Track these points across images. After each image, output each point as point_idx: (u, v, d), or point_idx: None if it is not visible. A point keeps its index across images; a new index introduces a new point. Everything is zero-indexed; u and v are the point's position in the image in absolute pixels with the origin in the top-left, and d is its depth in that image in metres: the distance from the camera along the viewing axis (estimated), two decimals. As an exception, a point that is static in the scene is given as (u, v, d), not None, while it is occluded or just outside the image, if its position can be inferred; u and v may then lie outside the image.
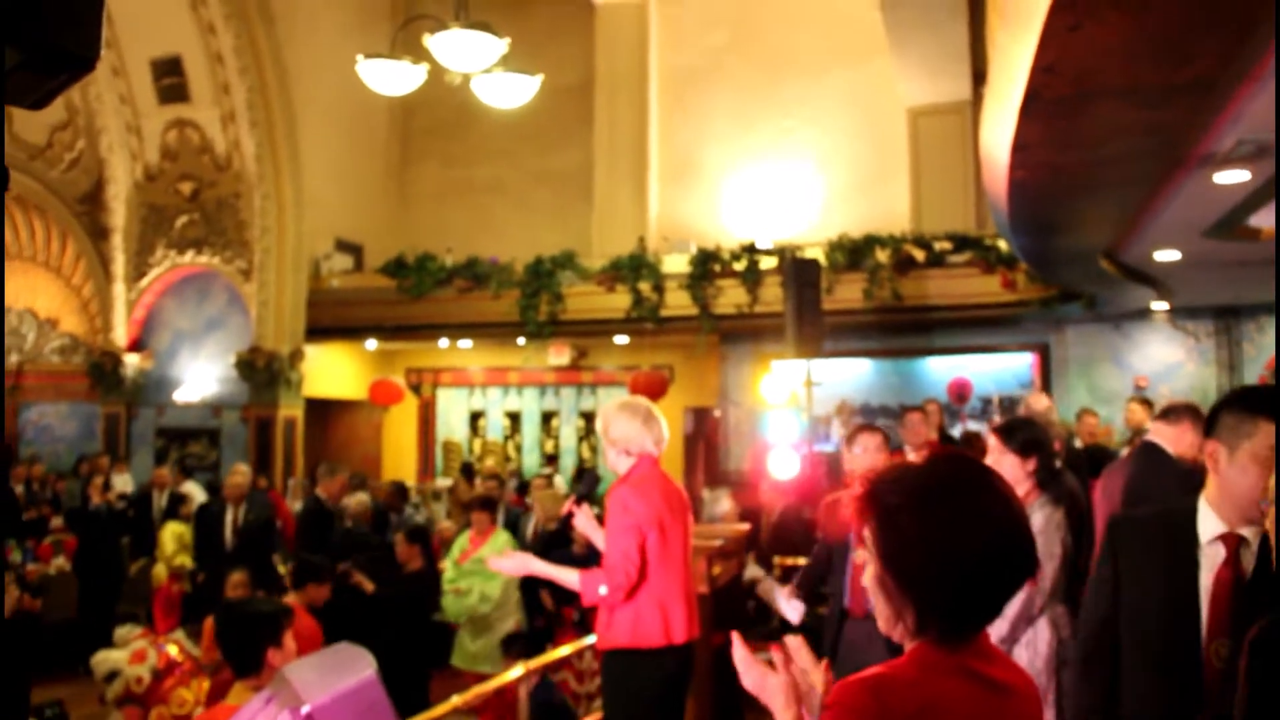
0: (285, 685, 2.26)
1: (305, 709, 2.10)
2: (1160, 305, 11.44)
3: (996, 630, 4.07)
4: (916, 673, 1.61)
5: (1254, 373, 11.77)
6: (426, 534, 8.04)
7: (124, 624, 9.01)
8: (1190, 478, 4.37)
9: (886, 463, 5.01)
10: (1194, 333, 12.00)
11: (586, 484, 4.29)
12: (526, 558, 4.33)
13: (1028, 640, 4.07)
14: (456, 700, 4.46)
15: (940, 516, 1.61)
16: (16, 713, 5.87)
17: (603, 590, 4.13)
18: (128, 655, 7.87)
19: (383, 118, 16.53)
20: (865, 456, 4.96)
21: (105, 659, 8.13)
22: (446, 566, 7.98)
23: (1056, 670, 4.13)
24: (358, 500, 8.88)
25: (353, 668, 2.25)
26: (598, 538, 4.29)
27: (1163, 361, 12.09)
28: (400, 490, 10.36)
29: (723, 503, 8.14)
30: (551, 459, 16.45)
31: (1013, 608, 4.08)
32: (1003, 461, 4.13)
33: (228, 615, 3.50)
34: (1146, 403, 8.51)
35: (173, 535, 9.98)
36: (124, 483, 12.62)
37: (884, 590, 1.66)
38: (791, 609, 5.16)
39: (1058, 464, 4.43)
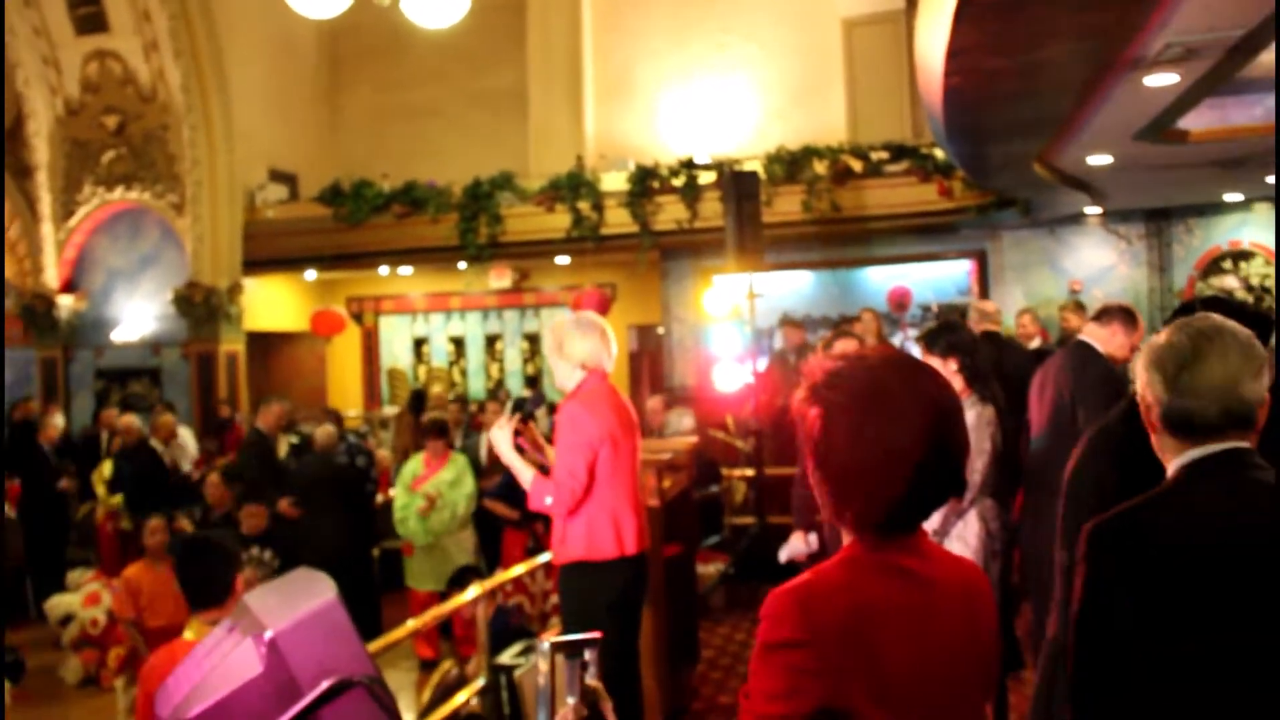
0: (246, 613, 2.28)
1: (269, 634, 2.12)
2: (1093, 210, 11.59)
3: (929, 523, 4.20)
4: (844, 576, 1.62)
5: (1183, 274, 12.02)
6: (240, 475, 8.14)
7: (75, 568, 9.00)
8: (1114, 375, 4.52)
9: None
10: (1126, 236, 12.19)
11: (532, 399, 4.29)
12: (504, 438, 4.25)
13: (958, 533, 4.22)
14: (413, 624, 4.52)
15: (868, 418, 1.62)
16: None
17: (548, 500, 4.19)
18: (81, 598, 7.89)
19: (311, 43, 16.16)
20: None
21: (59, 603, 8.13)
22: (396, 493, 8.03)
23: (986, 562, 4.28)
24: (324, 431, 8.81)
25: (313, 591, 2.27)
26: (514, 460, 4.25)
27: (1096, 265, 12.29)
28: (335, 419, 10.33)
29: (685, 420, 8.21)
30: (498, 383, 16.47)
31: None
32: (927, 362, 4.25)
33: (191, 547, 3.49)
34: (1079, 307, 8.70)
35: (101, 476, 9.89)
36: (58, 423, 12.42)
37: (820, 487, 1.69)
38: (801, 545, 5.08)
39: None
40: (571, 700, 1.68)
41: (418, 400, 12.19)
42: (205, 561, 3.42)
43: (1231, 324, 1.96)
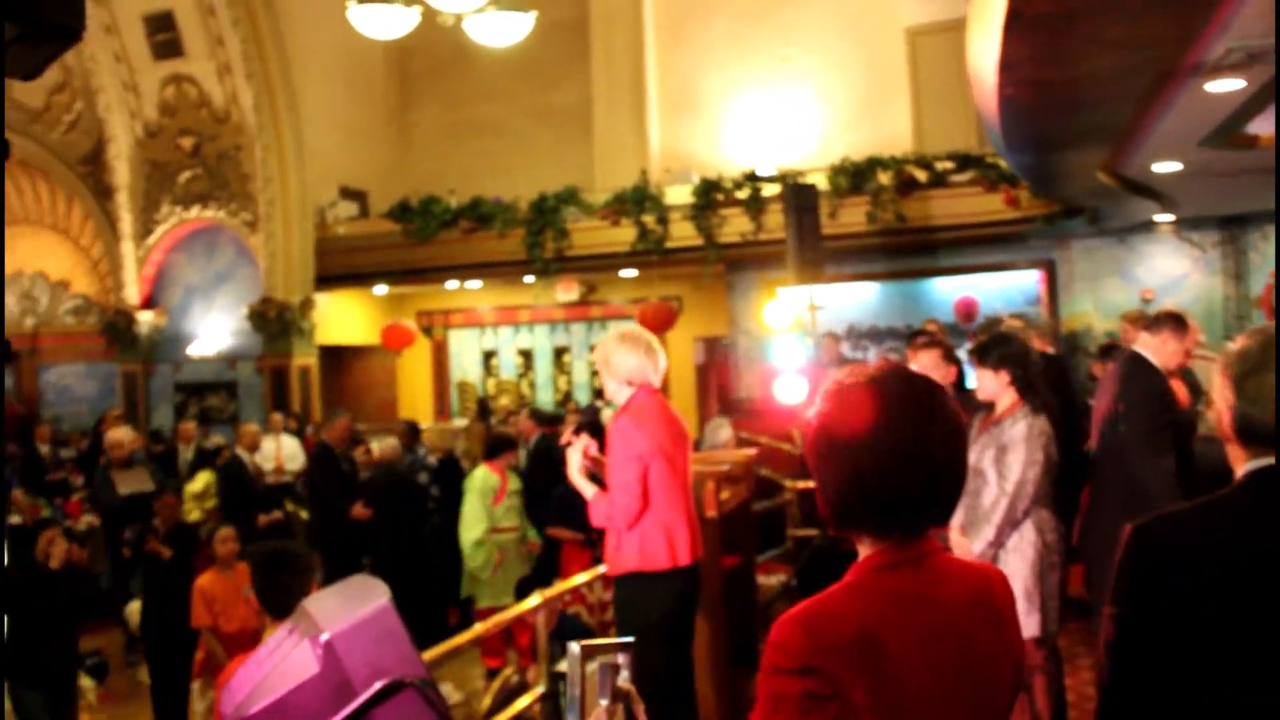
0: (305, 616, 2.39)
1: (325, 636, 2.21)
2: (1165, 217, 11.40)
3: (983, 535, 4.21)
4: (850, 600, 1.64)
5: (1259, 281, 11.77)
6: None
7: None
8: (1161, 389, 4.49)
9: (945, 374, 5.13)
10: (1199, 244, 11.98)
11: (586, 416, 4.40)
12: (576, 457, 4.39)
13: (1013, 545, 4.21)
14: (476, 629, 4.62)
15: (859, 431, 1.65)
16: (68, 662, 6.08)
17: (606, 516, 4.27)
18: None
19: (380, 62, 16.47)
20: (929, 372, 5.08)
21: (137, 608, 8.39)
22: (469, 506, 7.76)
23: (1044, 573, 4.26)
24: (388, 443, 9.02)
25: (368, 596, 2.36)
26: (581, 481, 4.39)
27: (1169, 274, 12.08)
28: (412, 430, 10.52)
29: (723, 431, 8.24)
30: (566, 395, 16.60)
31: (997, 514, 4.21)
32: (981, 378, 4.28)
33: (269, 559, 3.57)
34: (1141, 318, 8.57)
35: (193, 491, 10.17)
36: (124, 433, 12.78)
37: (819, 496, 1.73)
38: None
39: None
40: (604, 703, 1.73)
41: (483, 408, 12.35)
42: (281, 572, 3.51)
43: None
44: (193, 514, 10.00)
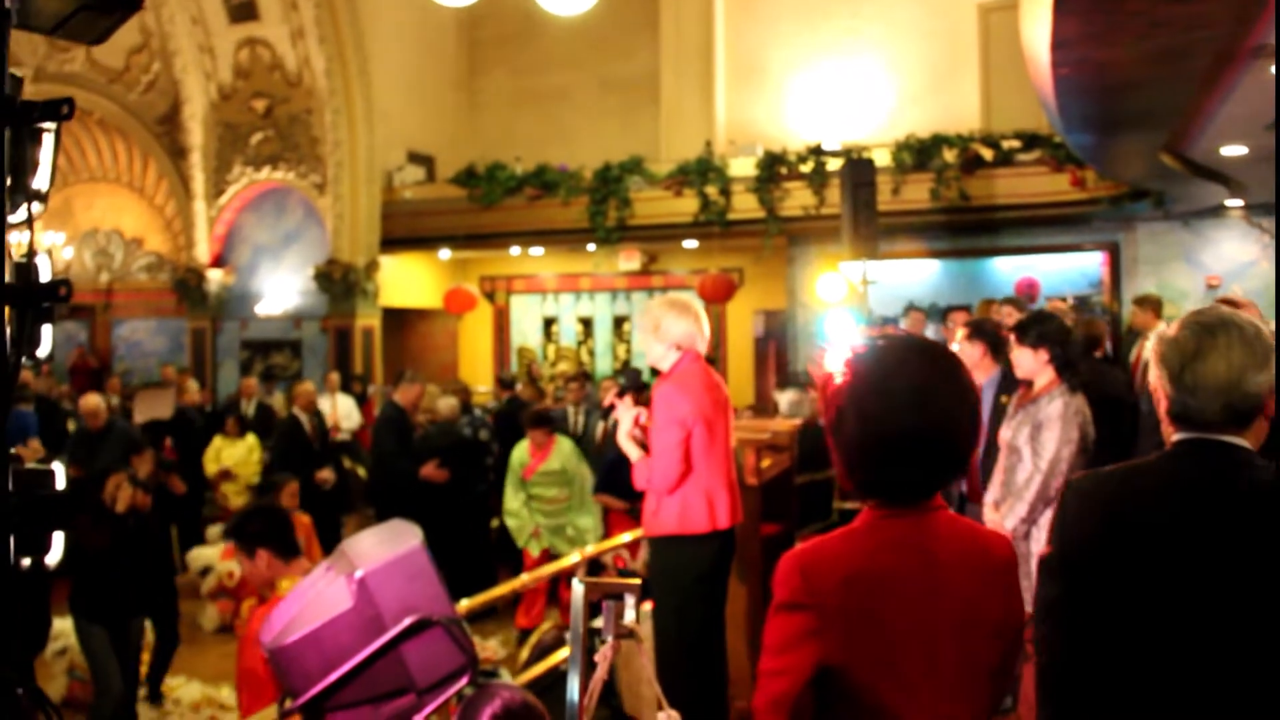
0: (342, 556, 2.52)
1: (359, 574, 2.34)
2: (1234, 202, 11.20)
3: (1015, 512, 4.25)
4: (846, 545, 1.75)
5: (1330, 269, 11.54)
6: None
7: (214, 524, 9.55)
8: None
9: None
10: (1269, 229, 11.76)
11: (629, 378, 4.51)
12: (627, 419, 4.52)
13: (1046, 522, 4.24)
14: (526, 578, 4.74)
15: (871, 397, 1.75)
16: (134, 603, 6.32)
17: (650, 479, 4.37)
18: (219, 552, 8.39)
19: (450, 29, 16.61)
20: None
21: (199, 555, 8.68)
22: (508, 484, 8.15)
23: None
24: (448, 404, 9.20)
25: (402, 538, 2.49)
26: (628, 445, 4.49)
27: (1236, 259, 11.87)
28: (463, 391, 10.70)
29: (804, 405, 8.21)
30: (625, 363, 16.71)
31: (1030, 490, 4.25)
32: (1020, 355, 4.31)
33: (265, 516, 3.90)
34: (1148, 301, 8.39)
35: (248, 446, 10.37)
36: (194, 389, 13.12)
37: (835, 456, 1.82)
38: None
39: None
40: (610, 639, 1.83)
41: (530, 376, 12.55)
42: (277, 522, 3.82)
43: (1240, 316, 1.97)
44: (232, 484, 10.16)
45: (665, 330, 4.50)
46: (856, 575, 1.71)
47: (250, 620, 3.83)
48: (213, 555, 8.44)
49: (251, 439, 10.32)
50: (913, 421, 1.72)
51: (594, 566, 5.54)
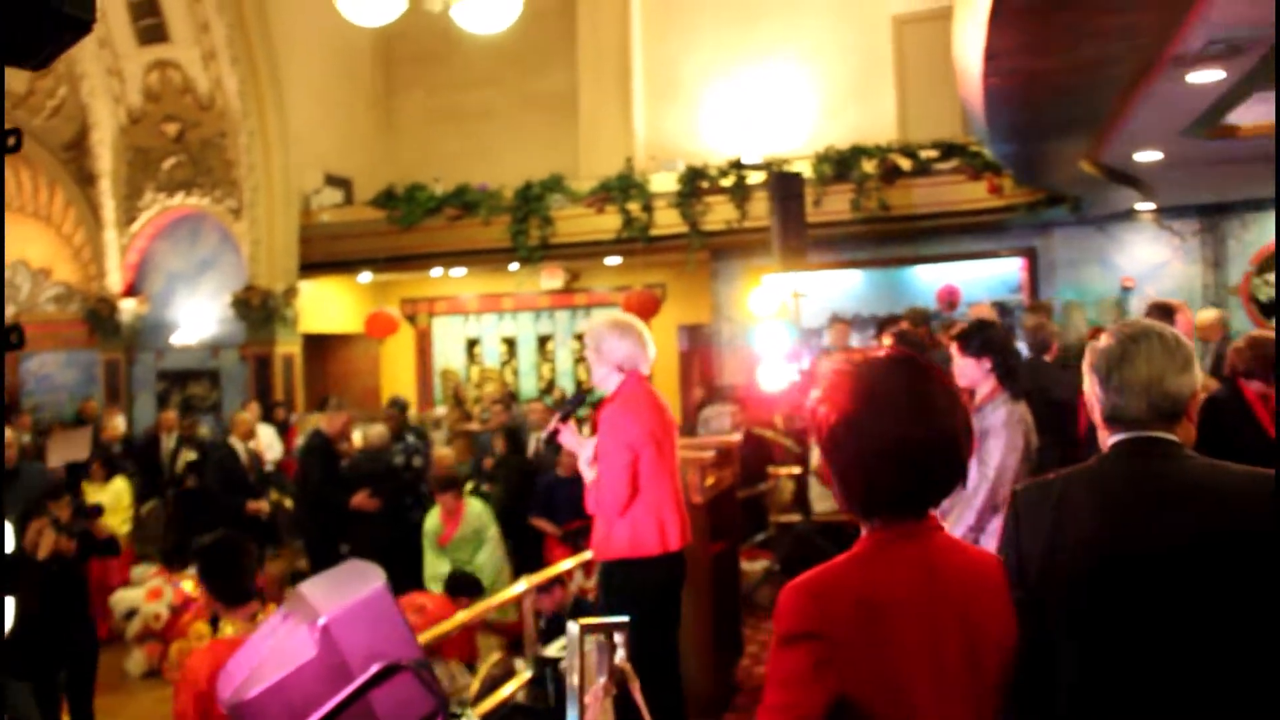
0: (300, 601, 2.42)
1: (322, 620, 2.24)
2: (1145, 206, 11.49)
3: (964, 520, 4.27)
4: (855, 570, 1.72)
5: (1239, 270, 11.88)
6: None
7: (138, 564, 9.25)
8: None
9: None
10: (1179, 232, 12.06)
11: (571, 403, 4.46)
12: (579, 440, 4.46)
13: (993, 529, 4.27)
14: (463, 616, 4.65)
15: (865, 414, 1.72)
16: (57, 654, 6.08)
17: (597, 501, 4.31)
18: (144, 593, 8.13)
19: (365, 48, 16.41)
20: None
21: (123, 598, 8.39)
22: (425, 552, 8.02)
23: None
24: (377, 431, 9.03)
25: (363, 580, 2.40)
26: (579, 447, 4.42)
27: (1149, 262, 12.17)
28: (400, 405, 10.52)
29: (724, 418, 8.25)
30: (550, 383, 16.62)
31: (978, 498, 4.27)
32: (963, 365, 4.34)
33: (219, 550, 3.54)
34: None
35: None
36: (119, 425, 12.75)
37: (831, 480, 1.78)
38: None
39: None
40: (601, 680, 1.78)
41: (457, 399, 12.42)
42: (233, 562, 3.52)
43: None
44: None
45: (606, 353, 4.46)
46: (866, 601, 1.67)
47: (186, 662, 3.64)
48: (137, 597, 8.15)
49: (120, 483, 9.56)
50: (911, 431, 1.71)
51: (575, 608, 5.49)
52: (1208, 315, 8.25)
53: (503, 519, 8.30)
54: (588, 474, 4.41)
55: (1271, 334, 5.14)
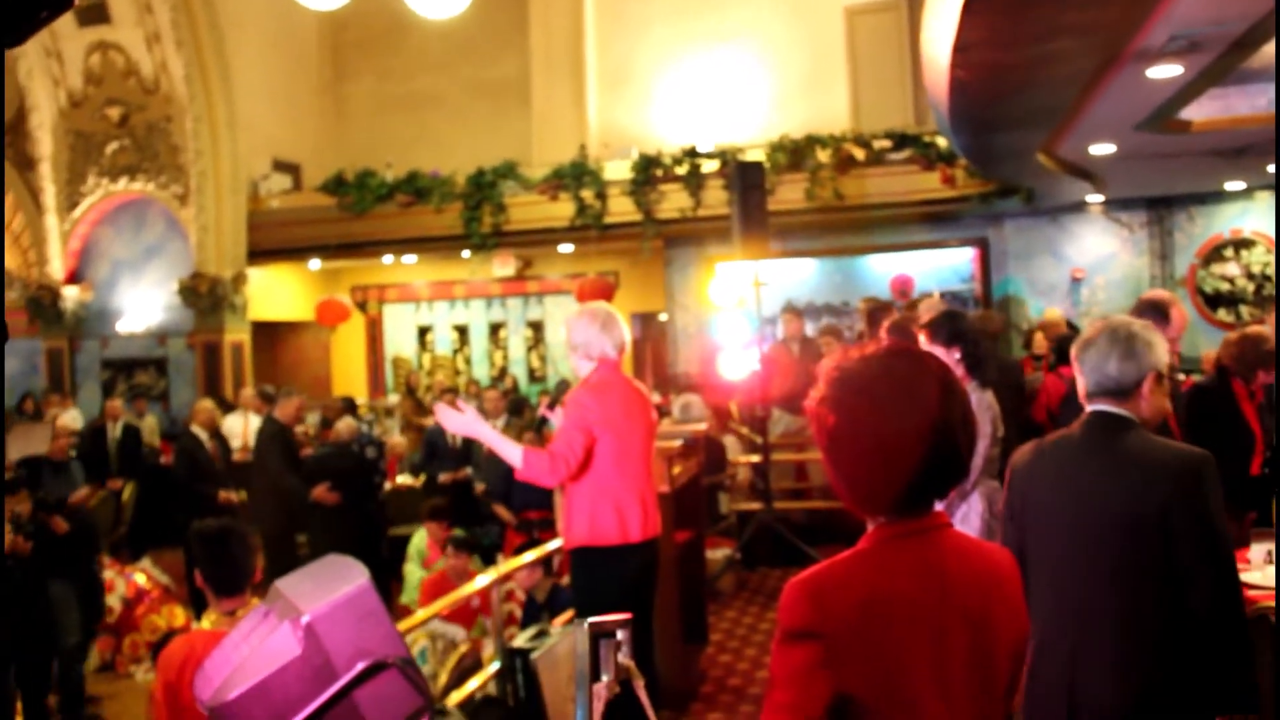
0: (281, 598, 2.36)
1: (305, 618, 2.18)
2: (1095, 198, 11.64)
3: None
4: (858, 567, 1.69)
5: (1184, 262, 12.10)
6: None
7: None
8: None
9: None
10: (1128, 224, 12.25)
11: (557, 391, 4.45)
12: (474, 419, 4.39)
13: (962, 515, 4.31)
14: (435, 608, 4.61)
15: (869, 412, 1.70)
16: (3, 655, 5.93)
17: (530, 467, 4.25)
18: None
19: (314, 33, 16.18)
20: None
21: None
22: (408, 569, 7.92)
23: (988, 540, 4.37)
24: (346, 423, 8.91)
25: (346, 576, 2.34)
26: (495, 438, 4.41)
27: (1098, 253, 12.35)
28: (348, 406, 10.44)
29: (694, 408, 8.22)
30: (502, 370, 16.55)
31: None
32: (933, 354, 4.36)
33: (215, 538, 3.45)
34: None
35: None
36: (72, 418, 12.49)
37: (834, 478, 1.76)
38: None
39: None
40: (606, 678, 1.75)
41: (410, 388, 12.33)
42: (230, 552, 3.41)
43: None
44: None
45: (576, 342, 4.44)
46: (870, 599, 1.64)
47: (164, 649, 3.52)
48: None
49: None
50: (915, 422, 1.68)
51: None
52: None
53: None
54: (496, 443, 4.37)
55: (1261, 330, 5.24)
